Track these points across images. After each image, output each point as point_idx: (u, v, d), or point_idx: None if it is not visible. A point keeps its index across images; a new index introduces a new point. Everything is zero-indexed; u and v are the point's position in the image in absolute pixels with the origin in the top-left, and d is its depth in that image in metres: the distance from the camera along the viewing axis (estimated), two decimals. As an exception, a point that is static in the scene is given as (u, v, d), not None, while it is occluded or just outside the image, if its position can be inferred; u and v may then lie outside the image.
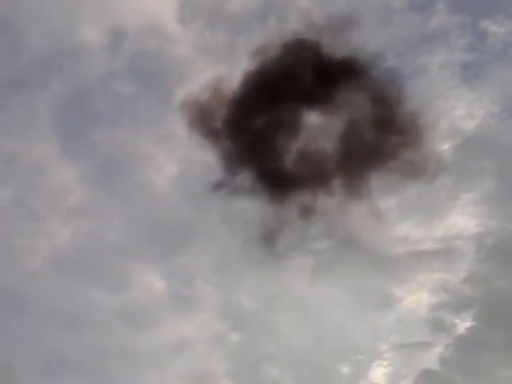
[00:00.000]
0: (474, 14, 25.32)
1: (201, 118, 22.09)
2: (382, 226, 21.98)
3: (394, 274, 22.71)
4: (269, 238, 21.42)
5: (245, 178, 21.13)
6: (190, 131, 21.84)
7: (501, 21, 25.14)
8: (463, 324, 22.87)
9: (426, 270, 23.39)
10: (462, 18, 25.30)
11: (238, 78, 22.81)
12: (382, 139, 20.88)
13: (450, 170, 23.56)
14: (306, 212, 21.33)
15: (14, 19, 25.28)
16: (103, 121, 26.07)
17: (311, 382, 22.66)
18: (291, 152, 21.01)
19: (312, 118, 21.40)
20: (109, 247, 24.91)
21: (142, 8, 25.80)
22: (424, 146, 20.76)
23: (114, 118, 26.07)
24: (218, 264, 24.11)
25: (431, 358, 22.60)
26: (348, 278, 21.97)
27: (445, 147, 24.14)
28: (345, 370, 23.22)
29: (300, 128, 20.99)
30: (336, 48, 21.03)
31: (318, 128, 21.18)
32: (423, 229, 23.64)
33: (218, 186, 20.76)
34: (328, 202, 21.03)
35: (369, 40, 24.34)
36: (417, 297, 23.49)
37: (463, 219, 23.96)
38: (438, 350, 22.68)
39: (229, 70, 25.01)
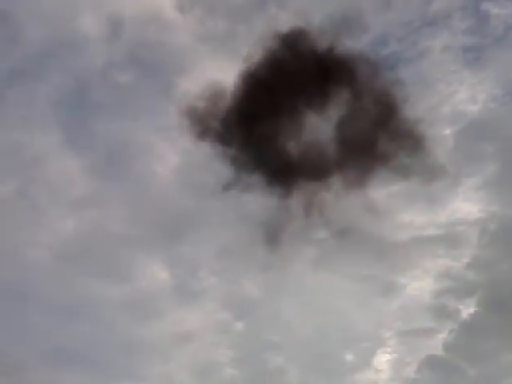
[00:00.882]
0: (475, -4, 25.03)
1: (201, 114, 21.86)
2: (384, 213, 21.86)
3: (397, 261, 22.69)
4: (272, 228, 21.35)
5: (246, 169, 20.99)
6: (190, 126, 21.62)
7: (502, 3, 24.86)
8: (467, 310, 22.96)
9: (429, 256, 23.43)
10: (463, 0, 25.04)
11: (238, 67, 22.67)
12: (380, 134, 20.71)
13: (451, 156, 23.42)
14: (309, 201, 21.23)
15: (13, 10, 25.10)
16: (104, 111, 25.95)
17: (316, 370, 22.74)
18: (292, 144, 20.86)
19: (312, 111, 21.22)
20: (112, 238, 24.95)
21: (141, -3, 25.58)
22: (423, 148, 20.54)
23: (114, 108, 25.95)
24: (222, 253, 24.14)
25: (435, 344, 22.71)
26: (351, 265, 21.99)
27: (447, 132, 24.01)
28: (349, 357, 23.37)
29: (301, 121, 20.81)
30: (335, 41, 20.77)
31: (319, 121, 21.00)
32: (426, 215, 23.63)
33: (227, 186, 20.61)
34: (330, 191, 20.90)
35: (370, 25, 24.19)
36: (420, 283, 23.53)
37: (466, 205, 23.88)
38: (441, 336, 22.79)
39: (229, 59, 24.92)
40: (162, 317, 24.15)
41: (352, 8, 22.22)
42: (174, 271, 24.74)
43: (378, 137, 20.42)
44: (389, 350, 23.30)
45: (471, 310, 22.78)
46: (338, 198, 20.98)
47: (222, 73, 24.43)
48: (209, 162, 22.25)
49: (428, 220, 23.48)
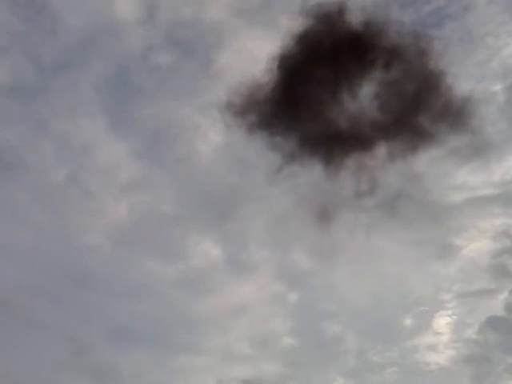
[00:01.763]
0: None
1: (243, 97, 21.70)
2: (436, 176, 21.34)
3: (452, 223, 22.21)
4: (321, 197, 21.19)
5: (292, 140, 20.82)
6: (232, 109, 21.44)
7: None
8: (528, 268, 22.25)
9: (485, 217, 22.82)
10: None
11: (276, 39, 22.37)
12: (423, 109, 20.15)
13: (503, 112, 22.52)
14: (357, 169, 20.94)
15: (51, 2, 25.52)
16: (145, 95, 26.18)
17: (374, 337, 22.63)
18: (337, 114, 20.53)
19: (356, 84, 20.75)
20: (162, 219, 25.34)
21: (174, -24, 25.48)
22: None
23: (155, 91, 26.12)
24: (271, 226, 24.14)
25: (496, 305, 22.25)
26: (405, 230, 21.55)
27: (497, 88, 23.07)
28: (407, 322, 23.16)
29: (344, 93, 20.42)
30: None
31: (363, 93, 20.55)
32: (480, 174, 22.90)
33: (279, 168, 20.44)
34: (378, 158, 20.54)
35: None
36: (477, 244, 22.94)
37: (522, 161, 22.98)
38: (502, 297, 22.28)
39: (266, 30, 24.62)
40: (216, 291, 24.53)
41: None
42: (226, 247, 25.00)
43: (420, 111, 19.87)
44: (448, 312, 23.01)
45: (533, 267, 22.16)
46: (387, 165, 20.63)
47: (260, 45, 24.30)
48: (252, 138, 22.26)
49: (482, 180, 22.81)
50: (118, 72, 26.20)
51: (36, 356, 22.42)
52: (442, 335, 22.81)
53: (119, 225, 25.44)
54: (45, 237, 24.66)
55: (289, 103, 20.60)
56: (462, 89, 22.47)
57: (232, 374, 23.14)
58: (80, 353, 22.90)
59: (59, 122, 26.05)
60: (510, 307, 21.91)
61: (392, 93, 20.03)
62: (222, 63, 25.08)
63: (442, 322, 22.88)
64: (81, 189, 25.77)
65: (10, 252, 23.66)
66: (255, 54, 24.41)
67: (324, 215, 21.16)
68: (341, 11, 20.44)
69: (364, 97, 20.25)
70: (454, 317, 22.86)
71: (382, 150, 20.47)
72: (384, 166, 20.59)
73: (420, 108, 20.02)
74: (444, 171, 21.85)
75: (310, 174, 21.35)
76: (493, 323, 21.84)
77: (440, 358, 22.70)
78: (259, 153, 22.20)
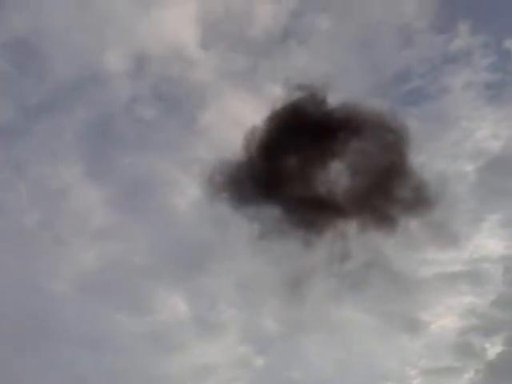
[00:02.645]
0: (497, 33, 25.33)
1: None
2: (408, 249, 21.72)
3: (421, 298, 22.42)
4: (292, 261, 21.29)
5: (266, 203, 21.13)
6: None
7: (525, 41, 25.03)
8: (493, 349, 22.51)
9: (453, 293, 23.17)
10: (485, 37, 25.33)
11: (259, 102, 23.11)
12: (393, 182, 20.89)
13: (474, 192, 23.34)
14: (329, 235, 21.22)
15: (41, 46, 25.85)
16: (127, 145, 26.44)
17: (338, 408, 22.32)
18: (312, 184, 21.04)
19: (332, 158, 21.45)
20: (133, 270, 25.02)
21: (165, 34, 26.23)
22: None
23: (137, 142, 26.41)
24: (241, 286, 24.08)
25: (461, 385, 22.20)
26: (374, 301, 21.68)
27: (469, 168, 24.00)
28: (373, 396, 22.89)
29: (320, 166, 21.06)
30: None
31: (338, 166, 21.23)
32: (450, 251, 23.37)
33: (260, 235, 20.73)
34: (352, 225, 20.88)
35: (392, 60, 24.57)
36: (444, 321, 23.18)
37: (490, 241, 23.71)
38: (468, 376, 22.30)
39: (250, 94, 25.35)
40: (182, 349, 24.09)
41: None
42: (195, 303, 24.77)
43: (393, 186, 20.53)
44: (414, 389, 22.87)
45: (498, 348, 22.41)
46: (359, 235, 20.97)
47: (243, 108, 25.00)
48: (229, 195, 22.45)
49: (451, 256, 23.31)
50: (101, 120, 26.50)
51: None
52: (407, 412, 22.69)
53: (88, 273, 25.04)
54: (11, 280, 24.11)
55: (267, 171, 21.02)
56: (436, 167, 23.48)
57: None
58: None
59: (37, 166, 26.02)
60: (475, 387, 21.97)
61: (367, 167, 20.65)
62: (206, 122, 25.65)
63: (408, 399, 22.80)
64: (52, 234, 25.52)
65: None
66: (238, 116, 25.10)
67: (294, 281, 21.22)
68: (321, 91, 21.27)
69: (338, 171, 20.82)
70: (419, 394, 22.82)
71: (354, 221, 20.87)
72: (356, 236, 20.92)
73: (392, 184, 20.60)
74: (415, 245, 22.24)
75: (283, 239, 21.51)
76: (457, 402, 21.83)
77: None
78: (234, 213, 22.33)
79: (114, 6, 26.13)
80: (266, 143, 20.84)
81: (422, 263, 22.52)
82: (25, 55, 25.78)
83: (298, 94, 20.92)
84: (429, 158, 23.16)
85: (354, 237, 20.46)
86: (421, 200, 20.68)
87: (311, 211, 20.84)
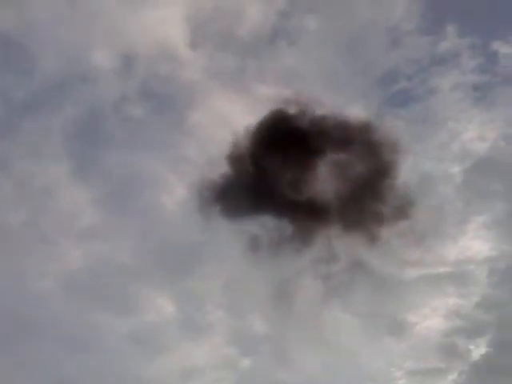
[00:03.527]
0: (485, 35, 25.47)
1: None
2: (393, 251, 21.82)
3: (407, 299, 22.52)
4: (278, 261, 21.34)
5: (253, 208, 21.17)
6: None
7: (511, 42, 25.23)
8: (477, 350, 22.59)
9: (439, 295, 23.21)
10: (472, 39, 25.45)
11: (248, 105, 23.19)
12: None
13: (460, 193, 23.48)
14: (316, 238, 21.30)
15: (29, 43, 25.68)
16: (115, 143, 26.28)
17: (324, 409, 22.36)
18: (298, 188, 21.14)
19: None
20: (119, 270, 24.85)
21: (154, 33, 26.11)
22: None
23: (125, 140, 26.26)
24: (229, 287, 24.02)
25: (445, 386, 22.30)
26: (360, 302, 21.75)
27: (455, 170, 24.13)
28: (358, 397, 22.93)
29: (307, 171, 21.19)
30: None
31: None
32: (436, 252, 23.44)
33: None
34: (338, 229, 20.97)
35: (380, 61, 24.67)
36: (430, 322, 23.23)
37: (475, 243, 23.76)
38: (451, 377, 22.35)
39: (238, 93, 25.33)
40: (168, 351, 23.96)
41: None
42: (181, 304, 24.62)
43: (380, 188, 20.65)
44: (399, 390, 22.95)
45: (482, 350, 22.50)
46: (346, 236, 21.06)
47: (231, 108, 24.98)
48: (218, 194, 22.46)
49: (437, 258, 23.31)
50: (88, 119, 26.32)
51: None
52: (392, 413, 22.77)
53: (74, 273, 24.86)
54: (-5, 279, 23.92)
55: (253, 177, 21.08)
56: (423, 168, 23.63)
57: None
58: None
59: (23, 164, 25.78)
60: (459, 389, 22.08)
61: (352, 173, 20.79)
62: (194, 121, 25.57)
63: (393, 400, 22.87)
64: (38, 232, 25.30)
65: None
66: (226, 116, 25.08)
67: (282, 283, 21.29)
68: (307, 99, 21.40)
69: (324, 177, 20.92)
70: (404, 394, 22.91)
71: (340, 224, 20.96)
72: (342, 239, 21.01)
73: (378, 188, 20.72)
74: (401, 246, 22.32)
75: (271, 242, 21.58)
76: (441, 403, 21.92)
77: None
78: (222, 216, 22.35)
79: (103, 3, 26.03)
80: (253, 150, 20.93)
81: (407, 265, 22.55)
82: (12, 52, 25.60)
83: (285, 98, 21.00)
84: (416, 160, 23.39)
85: (340, 240, 20.53)
86: (406, 203, 20.81)
87: (298, 216, 20.93)
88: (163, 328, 24.34)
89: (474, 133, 24.75)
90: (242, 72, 25.61)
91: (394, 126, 22.95)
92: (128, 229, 25.46)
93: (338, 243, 20.62)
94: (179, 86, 25.97)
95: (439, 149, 24.49)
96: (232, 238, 22.37)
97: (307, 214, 20.78)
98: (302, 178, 20.75)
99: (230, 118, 24.58)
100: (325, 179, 20.78)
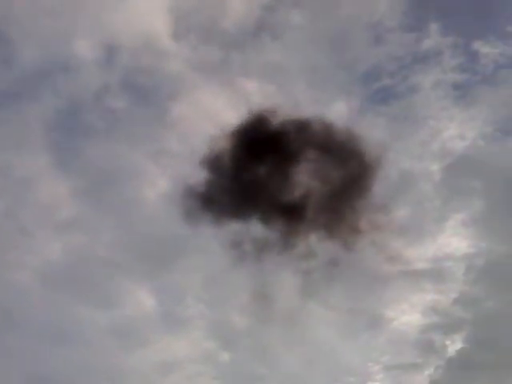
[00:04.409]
0: (467, 34, 25.70)
1: None
2: (374, 244, 21.99)
3: (385, 294, 22.74)
4: (259, 255, 21.38)
5: (234, 199, 21.16)
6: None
7: (493, 42, 25.50)
8: (453, 346, 22.93)
9: (417, 291, 23.47)
10: (454, 38, 25.65)
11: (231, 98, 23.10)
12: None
13: (439, 190, 23.75)
14: (296, 230, 21.37)
15: (8, 31, 25.20)
16: (96, 135, 25.98)
17: (302, 403, 22.55)
18: (281, 186, 21.20)
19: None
20: (99, 263, 24.72)
21: (136, 23, 25.82)
22: None
23: (106, 132, 25.99)
24: (209, 280, 24.03)
25: (421, 380, 22.58)
26: (339, 297, 21.90)
27: (434, 167, 24.37)
28: (336, 391, 23.17)
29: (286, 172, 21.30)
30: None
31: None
32: (415, 248, 23.70)
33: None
34: (318, 223, 21.06)
35: (362, 58, 24.74)
36: (407, 318, 23.55)
37: (453, 240, 24.07)
38: (428, 373, 22.68)
39: (222, 86, 25.23)
40: (147, 344, 23.95)
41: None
42: (161, 298, 24.59)
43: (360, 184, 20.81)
44: (375, 385, 23.25)
45: (458, 346, 22.85)
46: (326, 231, 21.17)
47: (215, 102, 24.86)
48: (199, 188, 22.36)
49: (416, 254, 23.57)
50: (69, 109, 26.02)
51: None
52: (369, 408, 23.07)
53: (53, 266, 24.67)
54: (-29, 271, 23.63)
55: (235, 173, 21.07)
56: (403, 165, 23.85)
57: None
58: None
59: (1, 154, 25.39)
60: (435, 383, 22.31)
61: (334, 169, 20.90)
62: (177, 114, 25.40)
63: (370, 394, 23.16)
64: (17, 224, 25.00)
65: None
66: (210, 109, 24.96)
67: (262, 278, 21.34)
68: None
69: (304, 175, 21.02)
70: (381, 389, 23.22)
71: (321, 218, 21.04)
72: (322, 233, 21.10)
73: (360, 183, 20.84)
74: (380, 242, 22.51)
75: (252, 233, 21.59)
76: (417, 398, 22.25)
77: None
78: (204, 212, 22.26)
79: (85, -8, 25.63)
80: (233, 153, 20.92)
81: (386, 261, 22.75)
82: (-10, 40, 25.11)
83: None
84: (396, 157, 23.55)
85: (319, 236, 20.63)
86: (385, 199, 20.98)
87: (278, 213, 20.98)
88: (143, 321, 24.35)
89: (454, 131, 25.04)
90: (225, 65, 25.53)
91: (375, 124, 23.15)
92: (108, 221, 25.34)
93: (317, 240, 20.67)
94: (162, 78, 25.81)
95: (420, 147, 24.76)
96: (213, 234, 22.33)
97: (287, 211, 20.84)
98: (280, 178, 20.82)
99: (213, 111, 24.51)
100: (304, 178, 20.85)
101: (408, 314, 23.54)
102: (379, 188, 20.89)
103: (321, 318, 22.59)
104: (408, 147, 24.31)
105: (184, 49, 25.92)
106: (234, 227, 20.82)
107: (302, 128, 20.77)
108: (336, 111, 23.67)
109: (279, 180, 20.82)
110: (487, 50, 25.42)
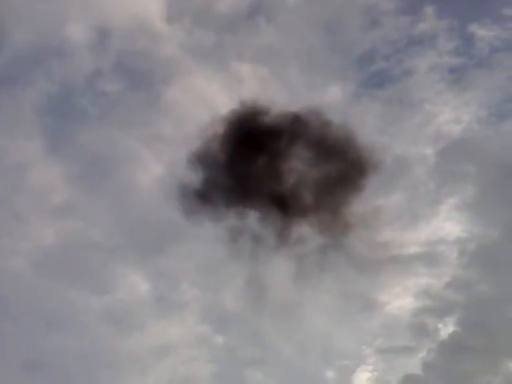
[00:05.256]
0: (462, 18, 25.50)
1: None
2: (367, 230, 21.99)
3: (378, 279, 22.73)
4: (253, 241, 21.38)
5: (230, 184, 21.10)
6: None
7: (488, 25, 25.31)
8: (446, 329, 23.08)
9: (410, 275, 23.57)
10: (449, 21, 25.45)
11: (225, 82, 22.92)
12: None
13: (433, 175, 23.69)
14: (289, 216, 21.35)
15: (0, 15, 24.87)
16: (88, 120, 25.84)
17: (296, 387, 22.70)
18: (276, 171, 21.13)
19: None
20: (93, 248, 24.70)
21: (130, 7, 25.54)
22: None
23: (99, 117, 25.84)
24: (203, 266, 24.04)
25: (414, 363, 22.74)
26: (333, 281, 21.94)
27: (429, 151, 24.30)
28: (330, 374, 23.39)
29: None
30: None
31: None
32: (408, 233, 23.77)
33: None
34: (312, 206, 21.02)
35: (358, 41, 24.53)
36: (401, 301, 23.68)
37: (447, 224, 24.15)
38: (420, 355, 22.84)
39: (216, 70, 25.04)
40: (142, 328, 24.03)
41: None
42: (155, 283, 24.65)
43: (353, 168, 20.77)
44: (369, 368, 23.44)
45: (450, 329, 22.99)
46: (319, 215, 21.14)
47: (209, 86, 24.67)
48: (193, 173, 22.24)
49: (409, 238, 23.66)
50: (62, 94, 25.82)
51: None
52: (362, 390, 23.24)
53: (45, 250, 24.64)
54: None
55: (231, 158, 20.98)
56: (397, 149, 23.76)
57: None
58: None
59: (-5, 139, 25.18)
60: (427, 366, 22.45)
61: (328, 152, 20.83)
62: (171, 98, 25.24)
63: (363, 377, 23.33)
64: (11, 210, 24.90)
65: None
66: (204, 93, 24.79)
67: (256, 259, 21.33)
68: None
69: (302, 158, 20.91)
70: (375, 372, 23.37)
71: (314, 201, 21.01)
72: (317, 218, 21.08)
73: (353, 165, 20.77)
74: (374, 226, 22.51)
75: (246, 220, 21.54)
76: (410, 381, 22.31)
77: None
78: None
79: (77, -25, 25.29)
80: (226, 141, 20.78)
81: (380, 245, 22.78)
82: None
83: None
84: (391, 141, 23.51)
85: (313, 221, 20.60)
86: (380, 184, 20.95)
87: (273, 200, 20.93)
88: (138, 306, 24.42)
89: (449, 115, 24.99)
90: (220, 48, 25.31)
91: (370, 108, 23.03)
92: (102, 206, 25.26)
93: (311, 226, 20.65)
94: (155, 62, 25.61)
95: (414, 131, 24.68)
96: (208, 220, 22.28)
97: (280, 198, 20.81)
98: (273, 166, 20.75)
99: (207, 95, 24.37)
100: (298, 166, 20.77)
101: (401, 297, 23.74)
102: (373, 173, 20.77)
103: (314, 302, 22.66)
104: (403, 131, 24.32)
105: (178, 32, 25.73)
106: (229, 215, 20.74)
107: (295, 119, 20.63)
108: (331, 95, 23.62)
109: (272, 168, 20.74)
110: (483, 33, 25.28)
